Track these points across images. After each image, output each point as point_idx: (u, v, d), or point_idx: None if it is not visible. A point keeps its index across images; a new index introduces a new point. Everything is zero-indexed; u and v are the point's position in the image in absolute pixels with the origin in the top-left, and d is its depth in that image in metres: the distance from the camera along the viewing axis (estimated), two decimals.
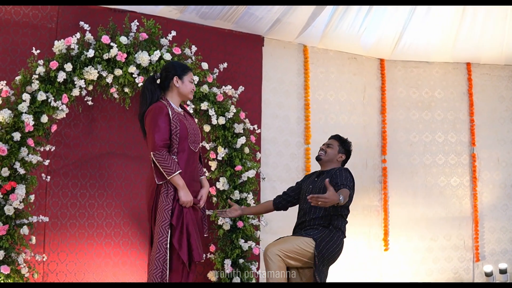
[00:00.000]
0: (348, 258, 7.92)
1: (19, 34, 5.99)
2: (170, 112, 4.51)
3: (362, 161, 8.12)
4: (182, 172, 4.44)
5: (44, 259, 5.89)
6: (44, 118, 5.56)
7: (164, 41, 6.17)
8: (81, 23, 5.84)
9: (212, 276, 6.42)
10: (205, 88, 6.29)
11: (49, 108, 5.62)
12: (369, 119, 8.38)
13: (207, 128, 6.42)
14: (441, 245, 8.38)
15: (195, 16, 6.85)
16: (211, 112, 6.32)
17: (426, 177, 8.49)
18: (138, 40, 6.04)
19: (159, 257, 4.38)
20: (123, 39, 5.90)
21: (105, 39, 5.82)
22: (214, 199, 6.49)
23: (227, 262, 6.28)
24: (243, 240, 6.37)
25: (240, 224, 6.36)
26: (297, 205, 5.46)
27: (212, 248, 6.46)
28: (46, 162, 5.72)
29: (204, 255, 5.52)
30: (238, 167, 6.42)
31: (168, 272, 4.39)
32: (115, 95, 6.13)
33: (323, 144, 5.51)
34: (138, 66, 5.97)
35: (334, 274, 7.73)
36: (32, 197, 5.60)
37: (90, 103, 5.98)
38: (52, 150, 5.85)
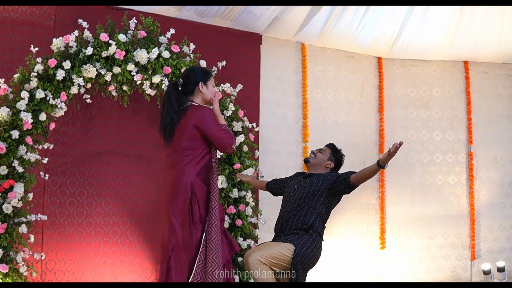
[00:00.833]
0: (346, 256, 7.94)
1: (17, 32, 5.96)
2: None
3: (359, 159, 8.11)
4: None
5: (42, 258, 5.87)
6: (43, 116, 5.54)
7: (162, 39, 6.16)
8: (80, 20, 5.82)
9: None
10: None
11: (48, 106, 5.60)
12: (367, 117, 8.36)
13: None
14: (438, 244, 8.38)
15: (193, 14, 6.83)
16: None
17: (424, 176, 8.48)
18: (136, 38, 6.02)
19: (217, 255, 4.47)
20: (122, 37, 5.88)
21: (104, 36, 5.80)
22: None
23: None
24: (241, 239, 6.37)
25: (238, 222, 6.35)
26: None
27: None
28: (45, 160, 5.71)
29: None
30: (237, 165, 6.41)
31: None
32: (114, 93, 6.10)
33: (316, 149, 5.49)
34: (137, 64, 5.95)
35: (331, 272, 7.74)
36: (31, 195, 5.58)
37: (88, 101, 5.94)
38: (50, 148, 5.82)
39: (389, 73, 8.55)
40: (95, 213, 6.27)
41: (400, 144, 4.68)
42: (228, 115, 6.43)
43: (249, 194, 6.45)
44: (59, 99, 5.62)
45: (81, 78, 5.71)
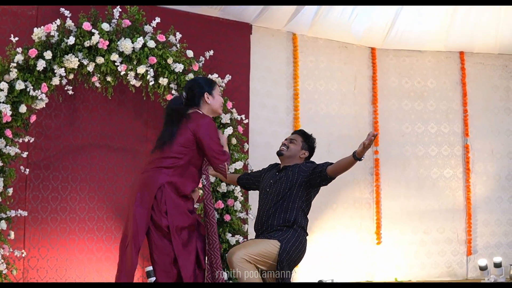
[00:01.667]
0: (338, 252, 7.83)
1: None
2: None
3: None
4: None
5: (23, 255, 5.73)
6: (23, 108, 5.39)
7: (148, 28, 5.97)
8: (62, 9, 5.64)
9: None
10: (190, 76, 6.08)
11: (28, 98, 5.43)
12: (360, 109, 8.26)
13: None
14: (434, 238, 8.28)
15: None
16: None
17: (419, 169, 8.39)
18: (120, 27, 5.84)
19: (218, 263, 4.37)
20: (105, 26, 5.70)
21: (87, 26, 5.61)
22: (201, 191, 6.30)
23: None
24: (230, 234, 6.23)
25: (227, 217, 6.20)
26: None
27: None
28: (25, 154, 5.55)
29: None
30: None
31: None
32: (97, 84, 5.92)
33: (286, 139, 5.25)
34: (121, 54, 5.77)
35: (326, 268, 7.61)
36: (10, 190, 5.45)
37: (70, 92, 5.75)
38: (31, 141, 5.66)
39: (383, 63, 8.45)
40: (79, 209, 6.19)
41: (374, 135, 4.54)
42: None
43: (237, 189, 6.29)
44: (39, 90, 5.46)
45: (63, 69, 5.53)
